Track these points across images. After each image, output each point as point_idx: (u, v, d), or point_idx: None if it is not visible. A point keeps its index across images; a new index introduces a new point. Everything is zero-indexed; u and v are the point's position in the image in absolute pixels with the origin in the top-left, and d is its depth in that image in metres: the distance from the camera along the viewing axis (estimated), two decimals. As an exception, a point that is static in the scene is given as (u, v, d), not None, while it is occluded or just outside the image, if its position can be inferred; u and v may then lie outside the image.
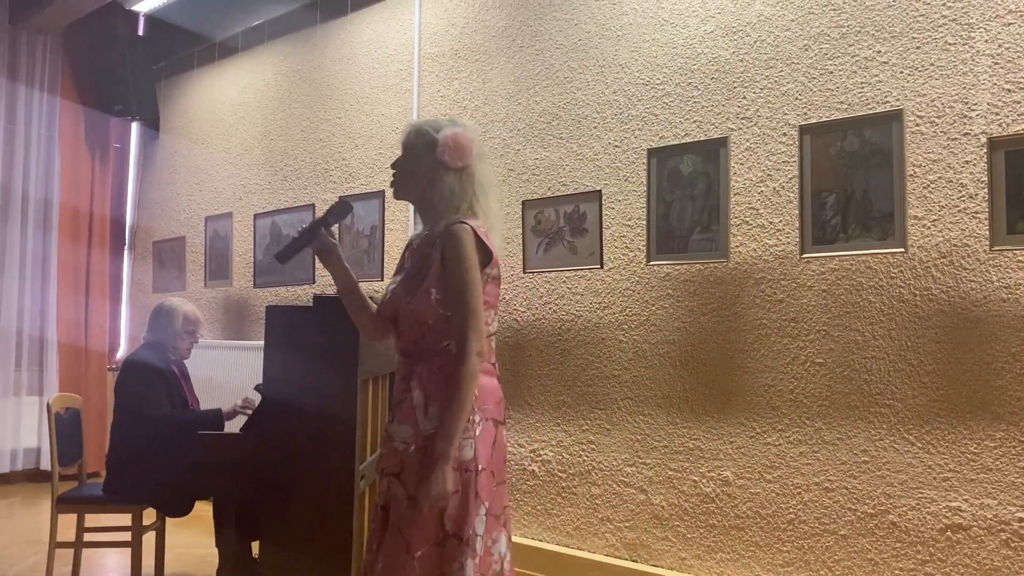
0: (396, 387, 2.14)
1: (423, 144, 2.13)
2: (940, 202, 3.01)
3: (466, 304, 2.01)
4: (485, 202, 2.13)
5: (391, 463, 2.06)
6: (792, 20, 3.41)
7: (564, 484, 4.02)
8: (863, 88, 3.21)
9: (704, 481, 3.55)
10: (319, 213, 5.34)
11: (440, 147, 2.09)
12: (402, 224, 4.89)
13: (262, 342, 2.87)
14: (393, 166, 2.19)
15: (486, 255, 2.07)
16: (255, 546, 3.39)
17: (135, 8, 6.23)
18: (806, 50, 3.37)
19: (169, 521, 3.93)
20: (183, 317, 3.81)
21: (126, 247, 7.10)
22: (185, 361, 3.96)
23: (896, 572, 3.04)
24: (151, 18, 6.62)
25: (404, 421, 2.05)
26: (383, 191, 5.00)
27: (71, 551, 3.71)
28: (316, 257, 2.25)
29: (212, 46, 6.37)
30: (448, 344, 2.05)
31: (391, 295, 2.17)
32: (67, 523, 3.62)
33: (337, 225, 5.17)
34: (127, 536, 3.59)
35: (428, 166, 2.12)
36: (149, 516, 3.71)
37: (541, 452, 4.12)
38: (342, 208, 2.29)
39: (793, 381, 3.33)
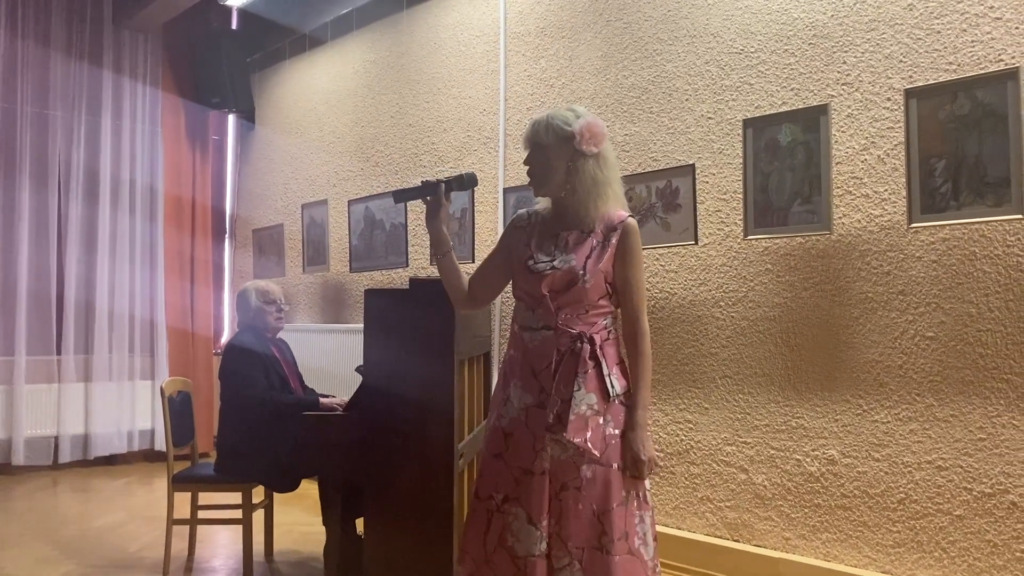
0: (564, 363, 2.22)
1: (558, 138, 2.25)
2: (1062, 164, 2.84)
3: (642, 290, 2.29)
4: (616, 181, 2.31)
5: (576, 428, 2.17)
6: (895, -21, 3.25)
7: (662, 463, 3.98)
8: (974, 47, 3.04)
9: (808, 460, 3.46)
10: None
11: (578, 138, 2.23)
12: (491, 207, 4.90)
13: (359, 325, 2.94)
14: (527, 163, 2.32)
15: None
16: (359, 523, 3.48)
17: (228, 3, 6.40)
18: (910, 9, 3.21)
19: (277, 499, 4.06)
20: (255, 292, 3.91)
21: (227, 235, 7.34)
22: (287, 344, 4.08)
23: (1017, 554, 2.90)
24: (244, 12, 6.80)
25: (592, 390, 2.21)
26: (473, 174, 5.00)
27: (186, 528, 3.87)
28: (426, 210, 2.43)
29: (302, 37, 6.51)
30: (604, 322, 2.27)
31: (560, 271, 2.23)
32: (182, 501, 3.78)
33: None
34: (238, 514, 3.72)
35: (566, 157, 2.25)
36: (258, 495, 3.84)
37: (637, 431, 4.08)
38: (469, 180, 2.47)
39: (902, 356, 3.20)
